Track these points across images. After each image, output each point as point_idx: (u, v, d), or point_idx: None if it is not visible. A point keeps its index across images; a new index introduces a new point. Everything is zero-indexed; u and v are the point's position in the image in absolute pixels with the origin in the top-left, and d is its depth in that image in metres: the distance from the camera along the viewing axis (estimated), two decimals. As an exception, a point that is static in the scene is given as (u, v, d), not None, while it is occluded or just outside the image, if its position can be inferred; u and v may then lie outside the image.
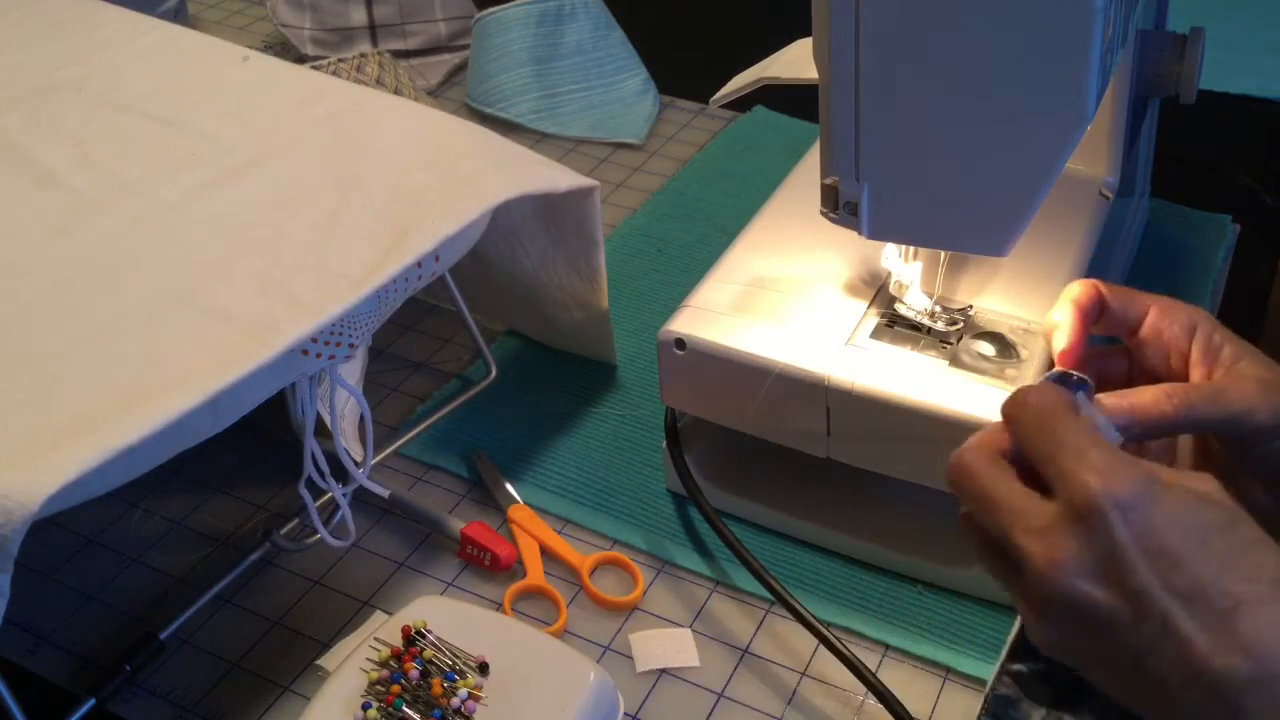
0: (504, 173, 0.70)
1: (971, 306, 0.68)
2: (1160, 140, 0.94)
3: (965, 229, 0.61)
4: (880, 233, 0.62)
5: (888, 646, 0.66)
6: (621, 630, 0.68)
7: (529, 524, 0.73)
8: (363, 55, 1.08)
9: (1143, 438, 0.51)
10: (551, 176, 0.73)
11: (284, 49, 1.25)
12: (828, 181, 0.61)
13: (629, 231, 1.00)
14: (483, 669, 0.59)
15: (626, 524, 0.74)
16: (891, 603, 0.68)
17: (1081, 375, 0.51)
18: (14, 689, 0.58)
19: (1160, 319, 0.56)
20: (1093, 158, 0.77)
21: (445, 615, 0.62)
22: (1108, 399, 0.51)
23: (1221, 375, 0.53)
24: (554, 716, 0.58)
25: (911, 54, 0.56)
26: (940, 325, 0.67)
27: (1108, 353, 0.57)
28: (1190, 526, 0.44)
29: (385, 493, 0.71)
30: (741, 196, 1.03)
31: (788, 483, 0.72)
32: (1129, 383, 0.54)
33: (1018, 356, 0.65)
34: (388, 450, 0.78)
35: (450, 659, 0.60)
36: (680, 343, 0.67)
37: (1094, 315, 0.56)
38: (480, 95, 1.16)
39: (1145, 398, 0.51)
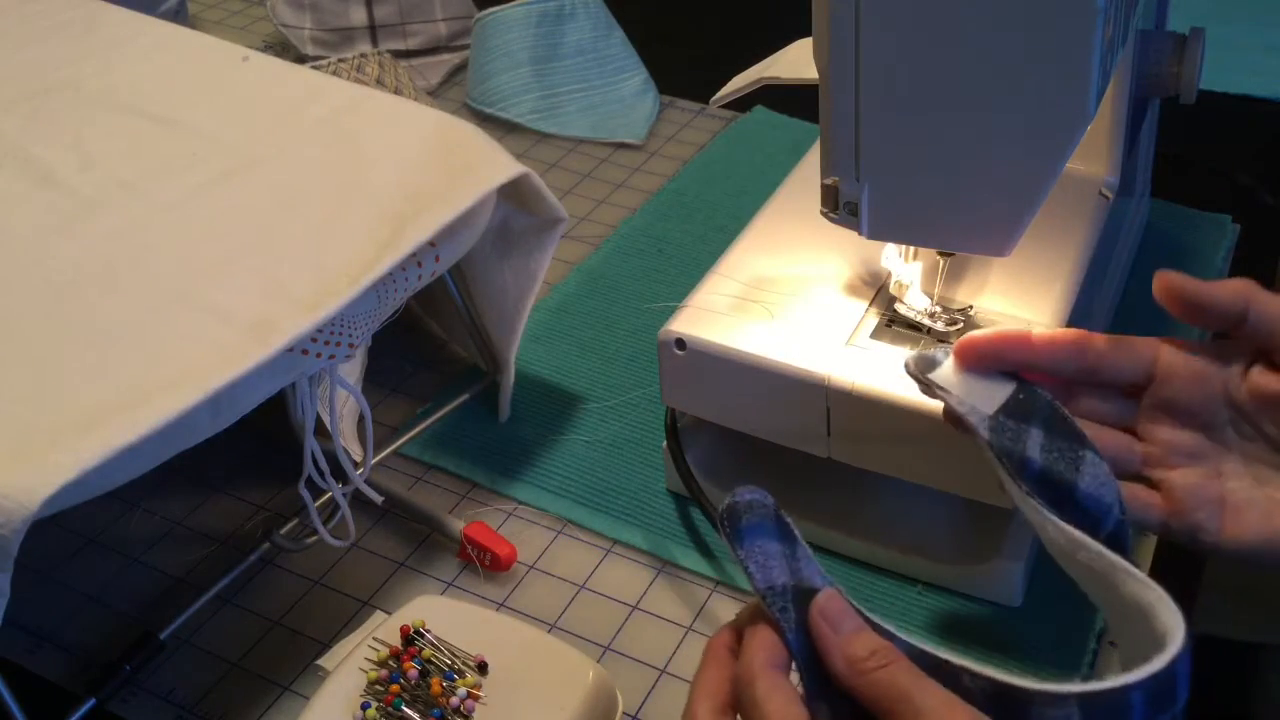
0: (499, 156, 0.70)
1: (971, 306, 0.68)
2: (1160, 140, 0.94)
3: (966, 229, 0.61)
4: (880, 233, 0.62)
5: (888, 646, 0.66)
6: (621, 630, 0.68)
7: None
8: (363, 55, 1.08)
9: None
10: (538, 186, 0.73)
11: (284, 49, 1.25)
12: (828, 181, 0.61)
13: (629, 231, 1.00)
14: (481, 668, 0.60)
15: (626, 524, 0.74)
16: (891, 603, 0.68)
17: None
18: (14, 689, 0.58)
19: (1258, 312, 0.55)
20: (1093, 158, 0.77)
21: (444, 614, 0.62)
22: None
23: None
24: (553, 715, 0.58)
25: (911, 54, 0.56)
26: (940, 325, 0.67)
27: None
28: None
29: (379, 499, 0.70)
30: (741, 196, 1.03)
31: (788, 483, 0.72)
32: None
33: (1018, 356, 0.65)
34: (388, 450, 0.78)
35: (449, 658, 0.60)
36: (680, 343, 0.67)
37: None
38: (480, 95, 1.16)
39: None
